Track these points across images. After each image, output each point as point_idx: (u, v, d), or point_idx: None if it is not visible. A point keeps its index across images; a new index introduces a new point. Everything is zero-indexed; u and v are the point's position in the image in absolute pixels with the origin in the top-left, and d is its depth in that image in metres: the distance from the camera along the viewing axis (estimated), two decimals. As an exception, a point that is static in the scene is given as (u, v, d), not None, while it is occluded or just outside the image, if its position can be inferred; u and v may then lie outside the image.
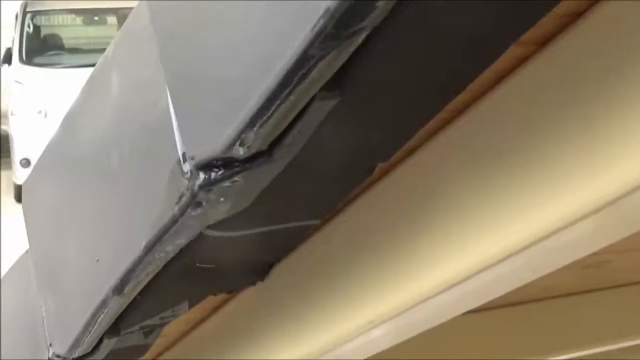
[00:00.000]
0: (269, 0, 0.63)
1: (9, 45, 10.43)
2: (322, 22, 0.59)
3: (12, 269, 1.49)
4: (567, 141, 0.72)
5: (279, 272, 1.16)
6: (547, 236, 0.76)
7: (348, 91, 0.71)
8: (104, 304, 1.08)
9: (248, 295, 1.23)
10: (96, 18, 11.38)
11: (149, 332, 1.28)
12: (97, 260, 1.05)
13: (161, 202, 0.87)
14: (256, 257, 1.13)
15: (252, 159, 0.76)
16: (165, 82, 0.82)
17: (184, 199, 0.82)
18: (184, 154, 0.81)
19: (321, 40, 0.60)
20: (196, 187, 0.80)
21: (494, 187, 0.80)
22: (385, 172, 0.96)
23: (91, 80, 1.02)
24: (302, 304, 1.16)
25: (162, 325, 1.27)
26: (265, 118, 0.68)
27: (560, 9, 0.69)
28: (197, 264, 1.08)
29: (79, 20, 11.28)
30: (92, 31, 11.32)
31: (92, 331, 1.16)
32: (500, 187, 0.79)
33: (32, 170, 1.27)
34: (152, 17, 0.81)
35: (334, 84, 0.68)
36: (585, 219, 0.73)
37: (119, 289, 1.02)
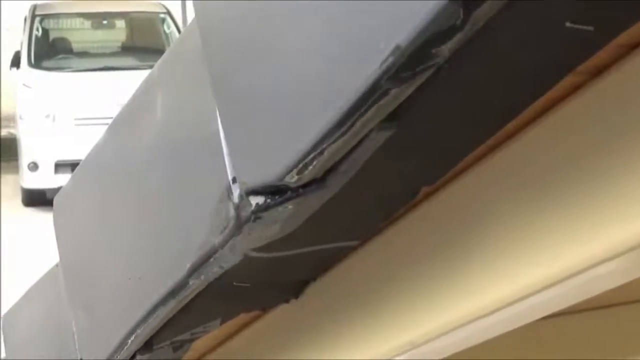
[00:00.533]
0: (335, 32, 0.64)
1: (17, 48, 10.45)
2: (391, 59, 0.60)
3: (40, 282, 1.49)
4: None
5: (313, 290, 1.16)
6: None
7: (405, 122, 0.72)
8: (142, 321, 1.08)
9: (280, 312, 1.23)
10: (105, 22, 11.40)
11: (178, 347, 1.28)
12: (139, 278, 1.06)
13: (207, 226, 0.87)
14: (292, 276, 1.13)
15: (305, 186, 0.77)
16: (216, 106, 0.82)
17: (232, 224, 0.83)
18: (234, 179, 0.82)
19: (389, 76, 0.61)
20: (246, 213, 0.81)
21: (550, 209, 0.80)
22: (428, 195, 0.95)
23: (134, 99, 1.02)
24: (337, 323, 1.16)
25: (191, 340, 1.27)
26: (326, 148, 0.69)
27: (618, 39, 0.69)
28: (234, 283, 1.09)
29: (87, 24, 11.31)
30: (101, 35, 11.35)
31: (126, 348, 1.16)
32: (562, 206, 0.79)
33: (67, 182, 1.28)
34: (204, 40, 0.81)
35: (393, 115, 0.69)
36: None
37: (159, 307, 1.03)
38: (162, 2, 11.44)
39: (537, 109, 0.81)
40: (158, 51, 10.86)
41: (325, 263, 1.10)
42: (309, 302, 1.17)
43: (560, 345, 1.41)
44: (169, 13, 11.12)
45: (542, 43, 0.67)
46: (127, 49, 11.02)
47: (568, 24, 0.63)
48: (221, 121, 0.82)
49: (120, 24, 11.41)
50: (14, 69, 10.27)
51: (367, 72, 0.62)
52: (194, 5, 0.83)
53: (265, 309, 1.23)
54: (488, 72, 0.68)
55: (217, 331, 1.27)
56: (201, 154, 0.87)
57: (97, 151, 1.17)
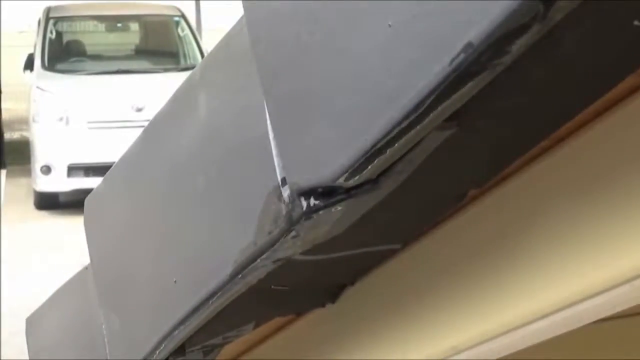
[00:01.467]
0: (403, 30, 0.63)
1: (31, 51, 10.48)
2: (462, 56, 0.59)
3: (68, 284, 1.49)
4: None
5: (351, 294, 1.15)
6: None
7: (464, 121, 0.71)
8: (179, 325, 1.07)
9: (315, 317, 1.23)
10: (119, 25, 11.44)
11: (209, 351, 1.28)
12: (175, 281, 1.05)
13: (254, 228, 0.86)
14: (332, 279, 1.13)
15: (357, 187, 0.76)
16: (265, 106, 0.81)
17: (281, 226, 0.82)
18: (283, 180, 0.81)
19: (458, 74, 0.60)
20: (296, 214, 0.80)
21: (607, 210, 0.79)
22: (474, 199, 0.95)
23: (174, 101, 1.02)
24: (374, 327, 1.15)
25: (223, 344, 1.26)
26: (387, 147, 0.68)
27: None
28: (272, 286, 1.08)
29: (101, 26, 11.34)
30: (115, 38, 11.39)
31: (159, 352, 1.16)
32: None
33: (100, 184, 1.27)
34: (253, 39, 0.81)
35: (454, 114, 0.68)
36: None
37: (197, 311, 1.02)
38: (176, 5, 11.46)
39: (594, 110, 0.81)
40: (172, 54, 10.91)
41: (366, 266, 1.09)
42: (345, 307, 1.16)
43: (608, 350, 1.40)
44: (183, 16, 11.14)
45: (607, 42, 0.67)
46: (141, 52, 11.05)
47: (636, 22, 0.63)
48: (270, 121, 0.81)
49: (134, 26, 11.44)
50: (28, 71, 10.31)
51: (436, 70, 0.61)
52: (243, 5, 0.82)
53: (300, 313, 1.22)
54: (551, 71, 0.68)
55: (247, 336, 1.26)
56: (248, 154, 0.86)
57: (133, 152, 1.16)
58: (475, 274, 0.97)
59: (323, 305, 1.17)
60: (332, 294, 1.16)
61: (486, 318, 0.97)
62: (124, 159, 1.18)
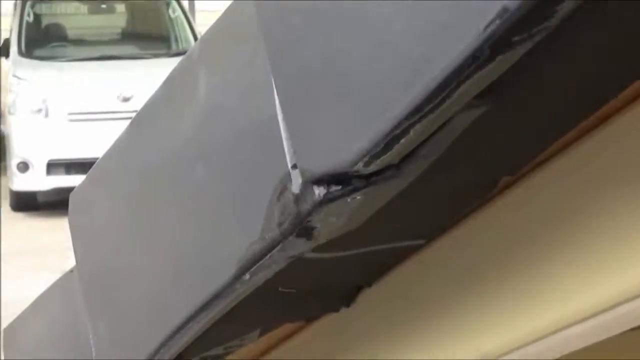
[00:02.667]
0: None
1: (6, 36, 10.50)
2: (497, 22, 0.58)
3: (51, 290, 1.49)
4: None
5: (367, 297, 1.15)
6: None
7: (499, 98, 0.71)
8: (175, 333, 1.07)
9: (327, 323, 1.22)
10: (103, 6, 11.45)
11: (209, 362, 1.27)
12: (171, 284, 1.05)
13: (261, 222, 0.86)
14: (346, 280, 1.12)
15: (377, 174, 0.75)
16: (274, 85, 0.81)
17: (292, 218, 0.82)
18: (294, 166, 0.80)
19: (492, 43, 0.59)
20: (308, 205, 0.79)
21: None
22: (504, 188, 0.94)
23: (169, 84, 1.01)
24: (394, 334, 1.14)
25: (224, 355, 1.26)
26: (412, 127, 0.68)
27: None
28: (280, 288, 1.08)
29: (84, 8, 11.35)
30: (99, 21, 11.39)
31: (155, 362, 1.15)
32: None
33: (85, 179, 1.27)
34: (260, 11, 0.80)
35: (487, 89, 0.67)
36: None
37: (197, 317, 1.02)
38: (167, -16, 11.47)
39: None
40: (162, 38, 10.92)
41: (385, 265, 1.08)
42: (361, 311, 1.15)
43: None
44: (174, -5, 11.15)
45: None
46: (128, 36, 11.06)
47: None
48: (279, 101, 0.81)
49: (121, 8, 11.44)
50: (3, 58, 10.33)
51: (468, 38, 0.60)
52: (247, -28, 0.82)
53: (310, 319, 1.22)
54: (600, 37, 0.67)
55: (251, 345, 1.26)
56: (254, 139, 0.86)
57: (122, 142, 1.16)
58: (505, 272, 0.97)
59: (337, 310, 1.17)
60: (347, 296, 1.16)
61: (518, 322, 0.96)
62: (112, 148, 1.17)
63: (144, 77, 8.78)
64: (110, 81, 9.42)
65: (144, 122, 1.10)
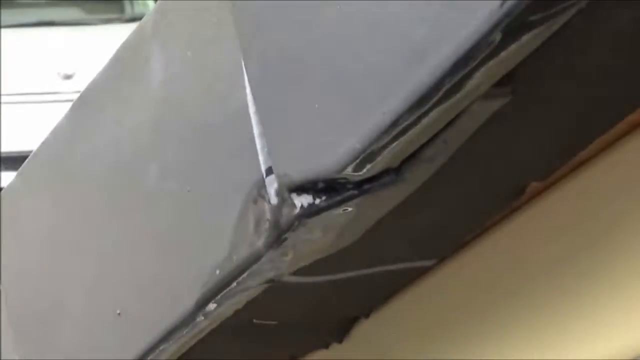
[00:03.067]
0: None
1: None
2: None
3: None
4: None
5: (364, 330, 1.16)
6: None
7: (522, 88, 0.71)
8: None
9: (316, 361, 1.23)
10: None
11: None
12: (118, 314, 1.06)
13: (229, 237, 0.87)
14: (337, 310, 1.13)
15: (372, 180, 0.76)
16: (244, 70, 0.81)
17: (267, 234, 0.82)
18: (269, 169, 0.81)
19: (512, 20, 0.60)
20: (287, 219, 0.80)
21: None
22: (537, 194, 0.95)
23: (116, 62, 1.02)
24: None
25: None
26: (412, 125, 0.68)
27: None
28: (255, 320, 1.08)
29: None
30: (35, -23, 11.38)
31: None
32: None
33: (15, 179, 1.27)
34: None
35: (507, 77, 0.68)
36: None
37: (151, 353, 1.02)
38: None
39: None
40: None
41: (384, 292, 1.09)
42: (356, 347, 1.16)
43: None
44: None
45: None
46: (70, -4, 11.05)
47: None
48: (251, 89, 0.81)
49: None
50: None
51: (478, 19, 0.61)
52: None
53: (294, 357, 1.23)
54: (634, 21, 0.68)
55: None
56: (219, 135, 0.86)
57: (59, 136, 1.16)
58: (536, 298, 0.98)
59: (326, 346, 1.18)
60: (339, 330, 1.17)
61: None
62: (46, 145, 1.18)
63: (90, 49, 8.77)
64: (48, 54, 9.40)
65: (87, 109, 1.11)
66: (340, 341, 1.17)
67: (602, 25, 0.68)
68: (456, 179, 0.84)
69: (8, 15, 10.48)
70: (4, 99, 9.38)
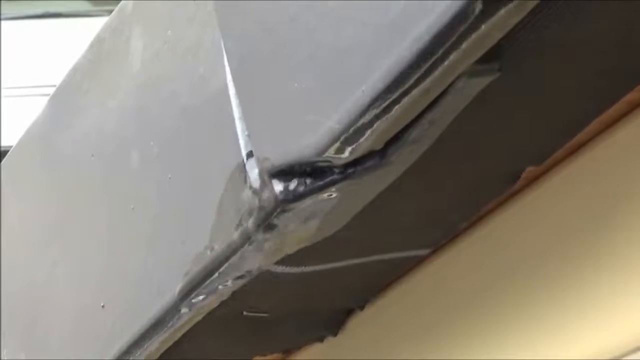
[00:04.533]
0: None
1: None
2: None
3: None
4: None
5: (359, 322, 1.15)
6: None
7: (512, 63, 0.70)
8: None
9: (310, 355, 1.23)
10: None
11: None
12: (102, 306, 1.06)
13: (210, 225, 0.86)
14: (330, 302, 1.12)
15: (356, 163, 0.75)
16: (224, 49, 0.81)
17: (250, 221, 0.81)
18: (249, 153, 0.80)
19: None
20: (268, 205, 0.79)
21: None
22: (534, 179, 0.94)
23: (97, 44, 1.02)
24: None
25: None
26: (394, 103, 0.67)
27: None
28: (245, 312, 1.08)
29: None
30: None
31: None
32: None
33: None
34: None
35: (494, 53, 0.67)
36: None
37: (135, 350, 1.02)
38: None
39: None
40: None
41: (378, 283, 1.09)
42: (351, 340, 1.16)
43: None
44: None
45: None
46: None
47: None
48: (230, 68, 0.80)
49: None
50: None
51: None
52: None
53: (288, 351, 1.23)
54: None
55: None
56: (199, 118, 0.86)
57: (39, 127, 1.17)
58: (533, 286, 0.97)
59: (321, 340, 1.18)
60: (334, 322, 1.16)
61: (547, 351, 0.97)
62: (27, 134, 1.19)
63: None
64: (53, 47, 9.47)
65: (69, 93, 1.11)
66: (335, 334, 1.17)
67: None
68: (447, 164, 0.83)
69: (14, 7, 10.56)
70: (8, 92, 9.46)
